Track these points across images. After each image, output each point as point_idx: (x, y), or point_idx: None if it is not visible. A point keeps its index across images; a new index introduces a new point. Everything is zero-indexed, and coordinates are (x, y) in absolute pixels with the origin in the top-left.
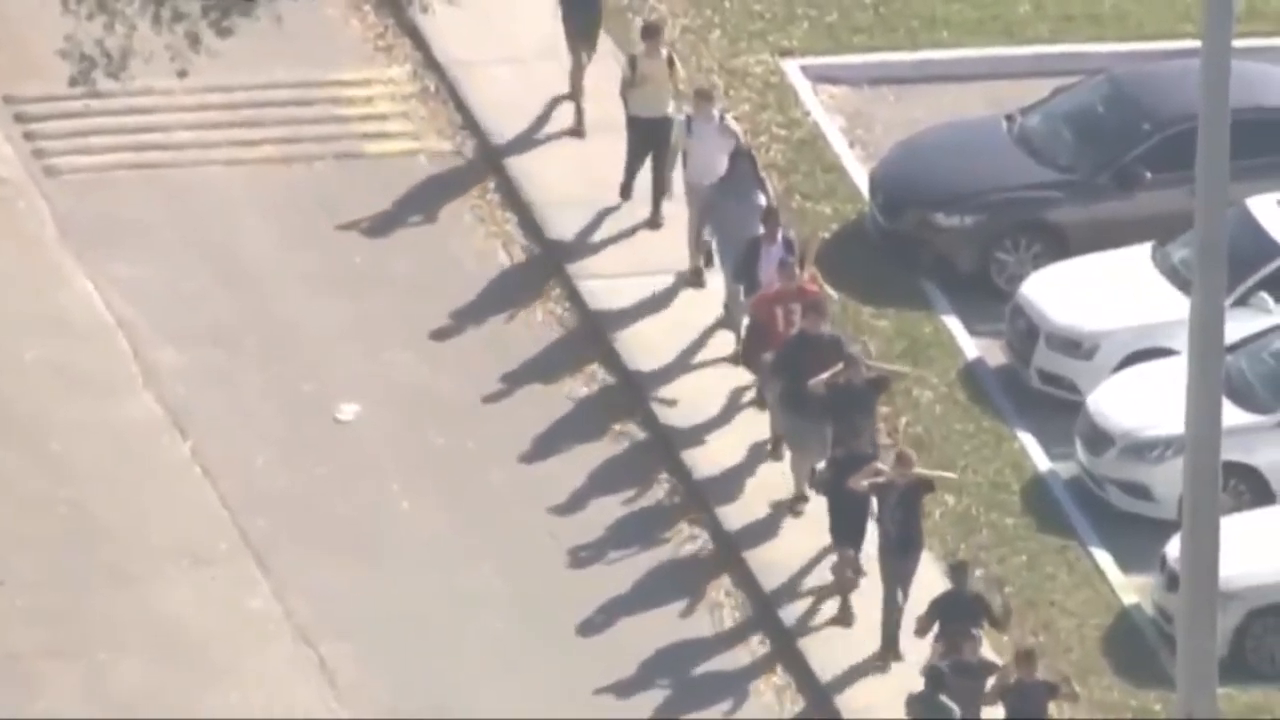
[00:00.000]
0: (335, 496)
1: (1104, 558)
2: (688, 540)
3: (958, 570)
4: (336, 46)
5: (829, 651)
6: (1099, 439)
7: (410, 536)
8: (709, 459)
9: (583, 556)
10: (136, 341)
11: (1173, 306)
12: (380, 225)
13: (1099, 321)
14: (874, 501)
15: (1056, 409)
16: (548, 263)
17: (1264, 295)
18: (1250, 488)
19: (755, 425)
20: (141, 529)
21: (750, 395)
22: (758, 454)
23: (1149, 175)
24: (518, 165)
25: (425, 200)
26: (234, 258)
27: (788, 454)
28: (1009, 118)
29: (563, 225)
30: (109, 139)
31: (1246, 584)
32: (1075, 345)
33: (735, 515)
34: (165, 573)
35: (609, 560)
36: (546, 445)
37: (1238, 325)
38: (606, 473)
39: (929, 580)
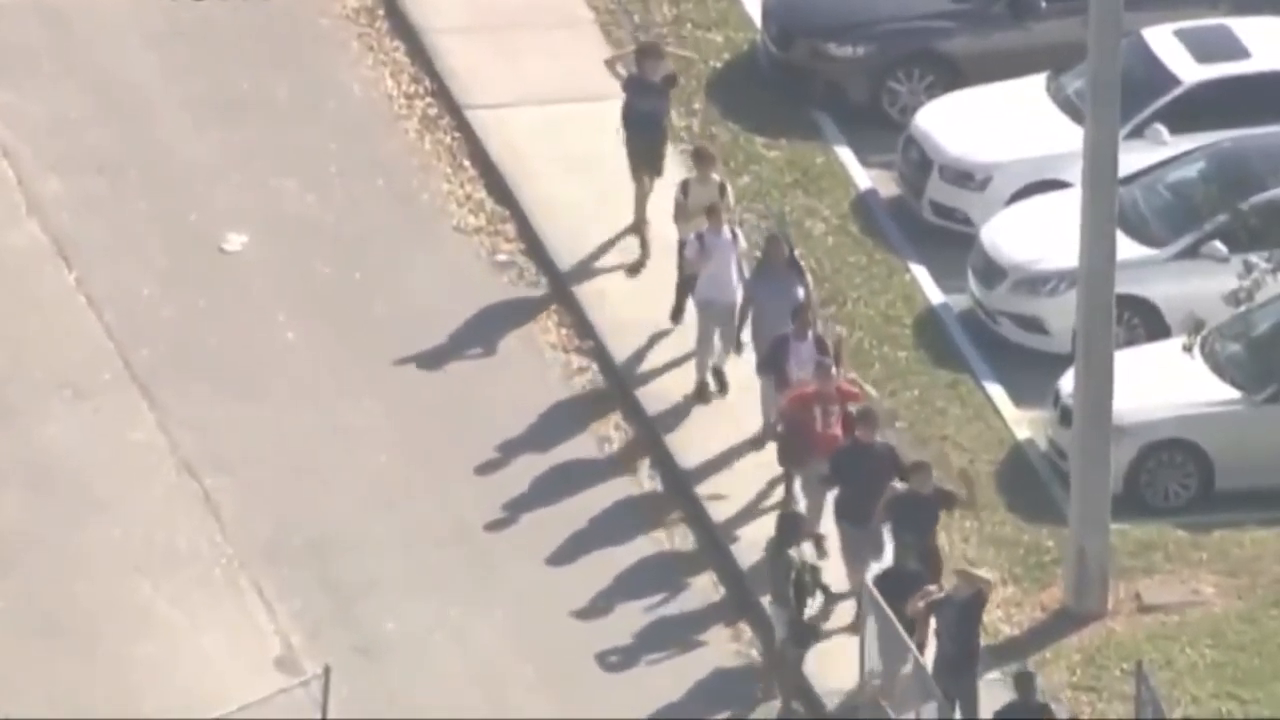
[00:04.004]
0: (221, 327)
1: (997, 392)
2: (576, 373)
3: (1023, 680)
4: None
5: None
6: (992, 272)
7: (295, 368)
8: (606, 304)
9: (468, 387)
10: (20, 169)
11: (1067, 138)
12: (266, 52)
13: (992, 153)
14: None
15: (949, 241)
16: (438, 92)
17: (1159, 127)
18: (1144, 321)
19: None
20: (23, 360)
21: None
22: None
23: (1044, 4)
24: None
25: (311, 25)
26: (118, 85)
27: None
28: None
29: (453, 54)
30: None
31: (1140, 419)
32: (968, 177)
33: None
34: (47, 405)
35: (495, 389)
36: (433, 277)
37: (1132, 157)
38: (493, 300)
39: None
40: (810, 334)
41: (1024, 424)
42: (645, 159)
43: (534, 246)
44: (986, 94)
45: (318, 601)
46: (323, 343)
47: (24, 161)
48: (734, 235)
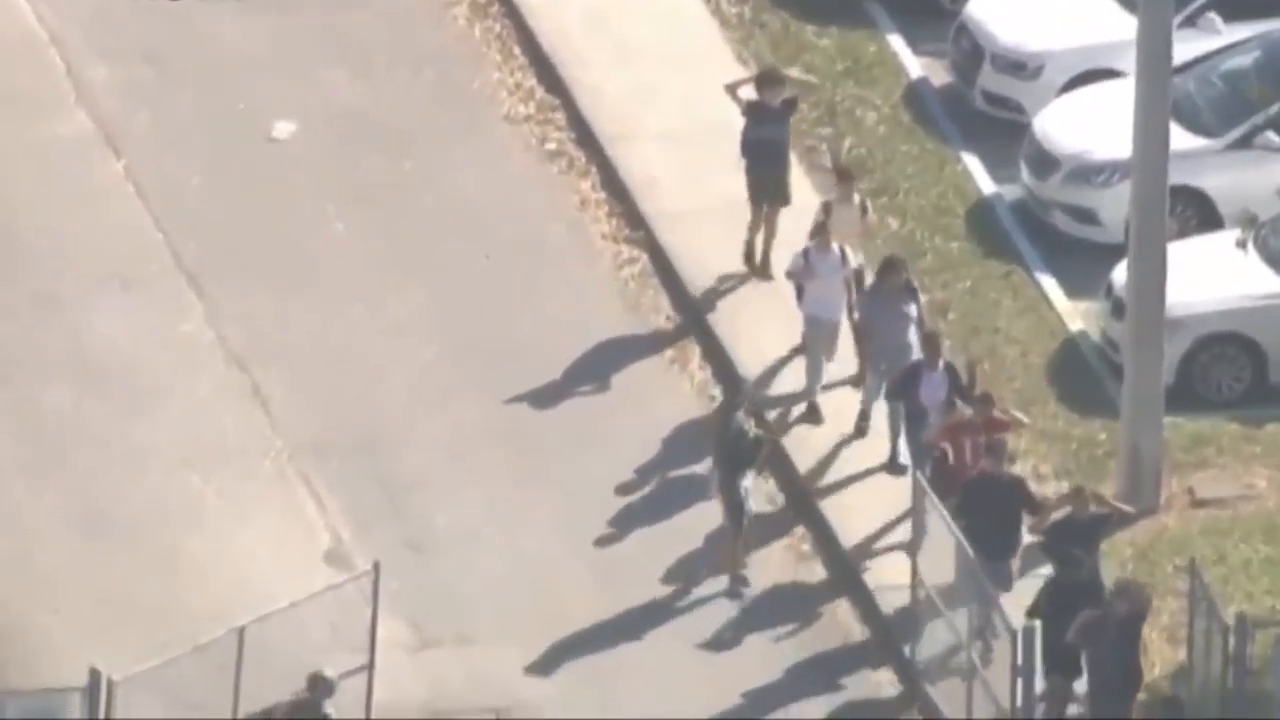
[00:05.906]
0: (269, 218)
1: (1049, 283)
2: (627, 263)
3: (1173, 705)
4: None
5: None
6: (1045, 162)
7: (344, 260)
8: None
9: (517, 278)
10: (69, 57)
11: (1120, 26)
12: None
13: (1045, 41)
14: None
15: (1002, 131)
16: None
17: (1213, 15)
18: (1198, 213)
19: None
20: (71, 251)
21: None
22: None
23: None
24: None
25: None
26: None
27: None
28: None
29: None
30: None
31: (1194, 311)
32: (1021, 66)
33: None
34: (95, 296)
35: (544, 280)
36: (484, 168)
37: (1186, 46)
38: (543, 190)
39: None
40: (941, 362)
41: (1076, 315)
42: (768, 188)
43: (584, 135)
44: None
45: (367, 495)
46: (371, 234)
47: (72, 50)
48: (843, 254)
